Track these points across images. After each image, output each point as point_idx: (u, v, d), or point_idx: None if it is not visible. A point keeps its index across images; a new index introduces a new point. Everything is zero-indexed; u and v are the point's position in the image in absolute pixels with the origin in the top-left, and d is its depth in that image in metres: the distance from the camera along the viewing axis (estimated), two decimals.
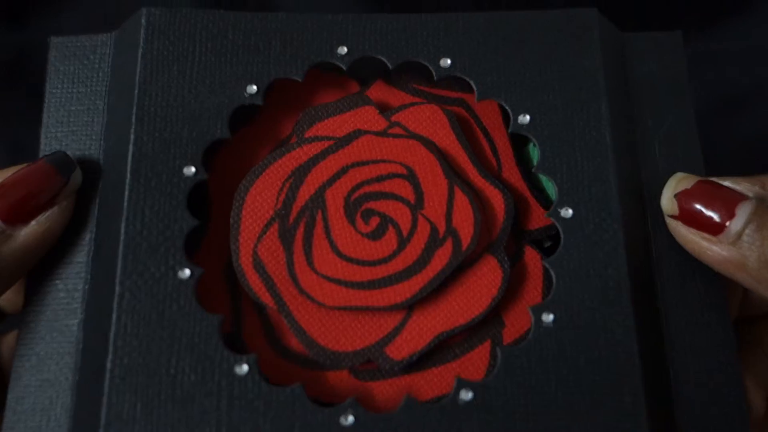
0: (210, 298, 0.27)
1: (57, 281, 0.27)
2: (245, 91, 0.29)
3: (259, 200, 0.28)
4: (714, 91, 0.48)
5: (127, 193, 0.27)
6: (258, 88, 0.29)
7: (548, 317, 0.26)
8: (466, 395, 0.26)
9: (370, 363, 0.27)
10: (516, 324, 0.28)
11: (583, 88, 0.29)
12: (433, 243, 0.27)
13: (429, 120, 0.30)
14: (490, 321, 0.28)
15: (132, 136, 0.28)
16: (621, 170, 0.28)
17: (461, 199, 0.28)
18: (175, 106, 0.28)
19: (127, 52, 0.30)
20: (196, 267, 0.26)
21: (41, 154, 0.29)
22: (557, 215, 0.28)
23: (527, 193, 0.29)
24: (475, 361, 0.27)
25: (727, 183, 0.27)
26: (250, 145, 0.30)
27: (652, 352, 0.27)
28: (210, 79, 0.29)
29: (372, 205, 0.28)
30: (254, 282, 0.27)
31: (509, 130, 0.29)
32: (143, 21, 0.29)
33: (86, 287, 0.27)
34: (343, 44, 0.29)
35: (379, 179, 0.28)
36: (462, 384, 0.26)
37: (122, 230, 0.27)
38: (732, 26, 0.49)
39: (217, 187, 0.29)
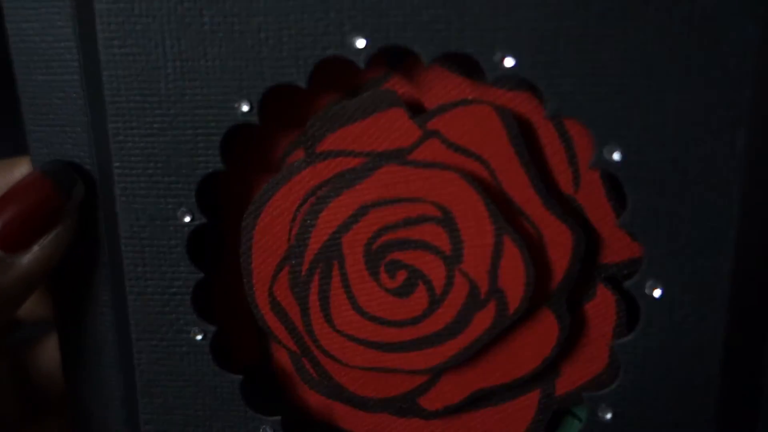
0: (238, 328, 0.26)
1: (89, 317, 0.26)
2: (237, 109, 0.23)
3: (268, 235, 0.24)
4: None
5: (123, 243, 0.24)
6: (251, 103, 0.23)
7: (606, 414, 0.23)
8: None
9: None
10: (573, 374, 0.24)
11: (713, 104, 0.20)
12: (473, 304, 0.23)
13: (478, 128, 0.22)
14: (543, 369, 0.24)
15: (115, 170, 0.24)
16: (748, 238, 0.21)
17: (511, 253, 0.22)
18: (154, 127, 0.23)
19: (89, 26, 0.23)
20: (207, 326, 0.25)
21: (32, 158, 0.25)
22: (641, 291, 0.22)
23: (610, 216, 0.23)
24: (521, 409, 0.25)
25: None
26: (250, 164, 0.25)
27: None
28: (192, 90, 0.23)
29: (398, 255, 0.23)
30: (274, 325, 0.25)
31: (590, 165, 0.22)
32: None
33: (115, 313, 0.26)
34: (358, 33, 0.21)
35: (407, 223, 0.23)
36: None
37: (127, 289, 0.25)
38: None
39: (232, 187, 0.25)
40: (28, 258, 0.23)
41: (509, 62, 0.21)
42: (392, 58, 0.23)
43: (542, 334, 0.23)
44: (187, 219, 0.24)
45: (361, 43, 0.21)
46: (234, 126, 0.23)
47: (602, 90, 0.21)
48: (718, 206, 0.21)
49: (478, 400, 0.25)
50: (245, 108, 0.23)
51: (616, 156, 0.21)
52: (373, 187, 0.23)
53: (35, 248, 0.24)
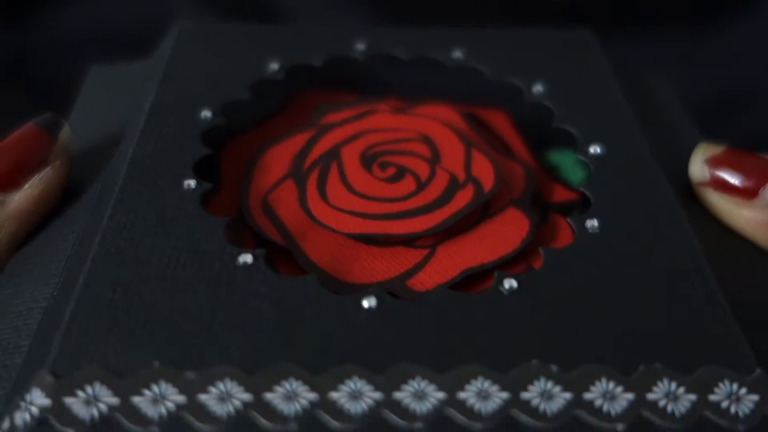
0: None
1: (53, 232, 0.27)
2: (268, 67, 0.30)
3: (272, 163, 0.28)
4: (711, 90, 0.48)
5: (139, 129, 0.27)
6: (280, 66, 0.30)
7: (592, 222, 0.25)
8: (510, 284, 0.23)
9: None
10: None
11: (594, 77, 0.31)
12: (454, 186, 0.27)
13: (443, 116, 0.30)
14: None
15: (151, 96, 0.29)
16: (644, 129, 0.29)
17: (479, 157, 0.28)
18: (198, 73, 0.30)
19: (157, 58, 0.32)
20: (203, 181, 0.25)
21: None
22: (586, 153, 0.27)
23: (546, 174, 0.30)
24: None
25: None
26: (263, 138, 0.30)
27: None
28: (233, 56, 0.31)
29: (389, 158, 0.28)
30: (264, 224, 0.26)
31: (525, 100, 0.30)
32: (176, 30, 0.32)
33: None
34: (361, 43, 0.31)
35: (396, 141, 0.29)
36: (504, 276, 0.23)
37: (130, 153, 0.26)
38: (729, 24, 0.50)
39: (228, 171, 0.29)
40: (19, 196, 0.26)
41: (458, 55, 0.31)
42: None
43: (515, 224, 0.26)
44: (209, 114, 0.28)
45: (361, 46, 0.32)
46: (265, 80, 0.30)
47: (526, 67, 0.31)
48: (616, 114, 0.29)
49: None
50: (275, 67, 0.31)
51: (539, 89, 0.30)
52: (371, 121, 0.30)
53: (26, 187, 0.26)
